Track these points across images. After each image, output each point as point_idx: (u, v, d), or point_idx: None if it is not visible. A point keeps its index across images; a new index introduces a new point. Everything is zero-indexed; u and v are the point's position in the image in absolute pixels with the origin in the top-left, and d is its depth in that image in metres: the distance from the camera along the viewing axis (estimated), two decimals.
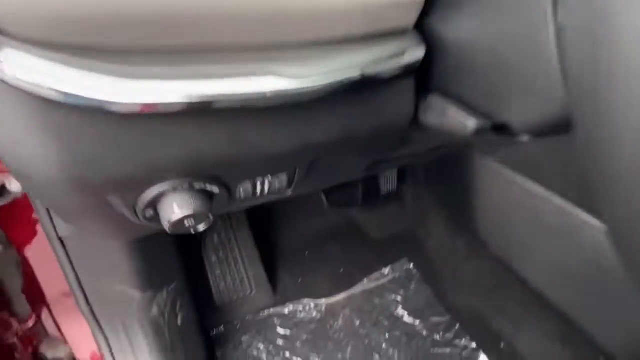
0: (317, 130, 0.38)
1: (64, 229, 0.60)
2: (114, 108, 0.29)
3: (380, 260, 1.27)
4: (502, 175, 0.64)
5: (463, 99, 0.37)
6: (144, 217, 0.40)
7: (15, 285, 0.82)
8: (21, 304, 0.84)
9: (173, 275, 0.83)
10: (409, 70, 0.37)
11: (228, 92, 0.31)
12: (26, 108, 0.29)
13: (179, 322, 0.86)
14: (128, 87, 0.29)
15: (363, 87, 0.36)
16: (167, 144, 0.33)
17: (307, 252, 1.24)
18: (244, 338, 1.10)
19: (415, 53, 0.37)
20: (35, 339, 0.91)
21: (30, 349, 0.92)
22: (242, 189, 0.42)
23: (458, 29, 0.35)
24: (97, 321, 0.75)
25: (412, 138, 0.52)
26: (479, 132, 0.36)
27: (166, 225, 0.39)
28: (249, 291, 1.10)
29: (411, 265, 1.28)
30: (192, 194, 0.39)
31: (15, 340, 0.89)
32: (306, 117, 0.37)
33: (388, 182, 1.23)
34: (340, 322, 1.16)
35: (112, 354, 0.80)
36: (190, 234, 0.99)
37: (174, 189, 0.38)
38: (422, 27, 0.38)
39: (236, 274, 1.07)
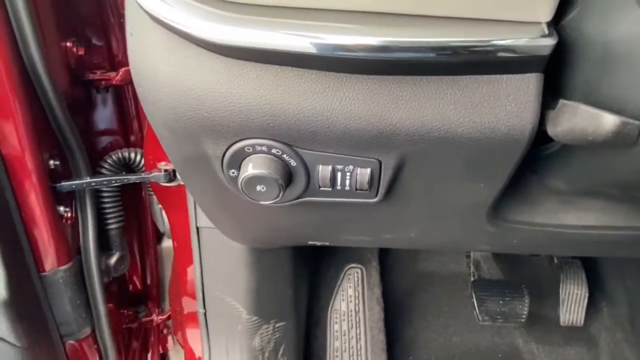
0: (402, 108, 0.35)
1: (203, 220, 0.68)
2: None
3: None
4: None
5: (607, 100, 0.32)
6: (229, 176, 0.43)
7: (167, 280, 0.94)
8: (165, 297, 0.95)
9: (284, 314, 0.82)
10: (536, 61, 0.34)
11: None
12: (165, 39, 0.36)
13: None
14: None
15: (474, 63, 0.33)
16: (252, 95, 0.37)
17: None
18: None
19: (546, 41, 0.33)
20: (165, 338, 1.00)
21: (160, 348, 1.02)
22: (321, 173, 0.41)
23: (614, 22, 0.31)
24: (207, 329, 0.79)
25: (540, 167, 0.43)
26: (620, 133, 0.31)
27: (241, 183, 0.41)
28: None
29: None
30: (269, 159, 0.40)
31: (152, 336, 1.00)
32: (392, 91, 0.35)
33: (570, 308, 0.97)
34: None
35: None
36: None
37: (254, 149, 0.40)
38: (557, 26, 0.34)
39: (356, 353, 0.98)
